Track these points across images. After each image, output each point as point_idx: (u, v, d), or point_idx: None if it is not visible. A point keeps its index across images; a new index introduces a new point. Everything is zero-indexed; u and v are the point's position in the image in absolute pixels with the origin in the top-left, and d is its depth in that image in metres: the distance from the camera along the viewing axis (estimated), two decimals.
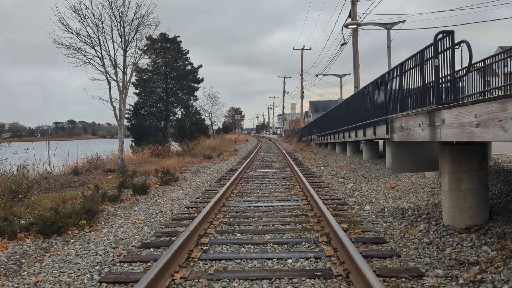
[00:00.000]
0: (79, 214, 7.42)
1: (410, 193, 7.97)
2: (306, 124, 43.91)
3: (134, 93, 28.65)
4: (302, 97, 62.91)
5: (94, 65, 16.87)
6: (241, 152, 31.93)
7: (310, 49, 59.89)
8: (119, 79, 17.69)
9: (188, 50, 30.89)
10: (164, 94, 29.84)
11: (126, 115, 28.54)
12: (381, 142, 16.04)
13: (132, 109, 28.71)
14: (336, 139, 21.06)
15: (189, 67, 31.16)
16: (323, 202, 7.66)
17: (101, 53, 17.02)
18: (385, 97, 11.35)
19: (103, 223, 7.51)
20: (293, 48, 60.72)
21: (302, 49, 59.45)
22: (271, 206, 8.05)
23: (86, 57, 16.69)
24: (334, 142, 22.42)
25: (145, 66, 29.27)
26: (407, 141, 6.18)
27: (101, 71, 17.04)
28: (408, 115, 5.86)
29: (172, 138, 40.62)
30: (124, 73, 17.79)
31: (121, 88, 17.73)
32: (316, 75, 32.33)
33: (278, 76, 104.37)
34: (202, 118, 42.32)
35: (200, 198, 9.25)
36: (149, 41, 27.55)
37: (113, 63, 17.61)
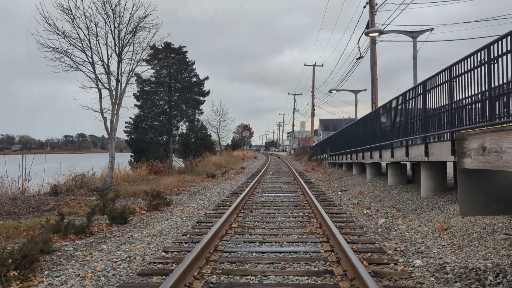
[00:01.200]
0: (15, 259, 5.35)
1: (475, 240, 5.74)
2: (318, 142, 41.78)
3: (135, 105, 26.81)
4: (312, 114, 60.90)
5: (83, 71, 15.00)
6: (248, 170, 29.78)
7: (322, 65, 57.74)
8: (112, 88, 15.81)
9: (194, 61, 29.08)
10: (167, 107, 27.86)
11: (126, 129, 26.69)
12: (408, 164, 13.84)
13: (132, 122, 26.77)
14: (353, 159, 18.84)
15: (194, 79, 29.15)
16: (352, 248, 5.51)
17: (92, 57, 15.17)
18: (424, 111, 9.19)
19: (47, 272, 5.42)
20: (305, 65, 58.89)
21: (314, 66, 57.75)
22: (280, 253, 5.88)
23: (74, 62, 14.84)
24: (351, 163, 20.21)
25: (148, 77, 27.55)
26: (491, 170, 4.02)
27: (91, 78, 15.17)
28: (501, 130, 3.70)
29: (176, 154, 38.71)
30: (118, 80, 15.91)
31: (114, 97, 15.83)
32: (330, 91, 30.28)
33: (288, 94, 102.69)
34: (208, 133, 40.31)
35: (188, 235, 7.11)
36: (152, 50, 25.87)
37: (106, 69, 15.76)
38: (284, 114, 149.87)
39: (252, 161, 52.32)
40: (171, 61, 21.97)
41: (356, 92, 29.50)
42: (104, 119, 15.40)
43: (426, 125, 9.02)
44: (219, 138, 62.00)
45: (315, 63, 58.52)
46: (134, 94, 26.46)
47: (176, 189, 16.60)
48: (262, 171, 24.99)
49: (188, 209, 10.76)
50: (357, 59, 27.86)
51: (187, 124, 29.34)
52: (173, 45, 27.17)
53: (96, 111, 15.26)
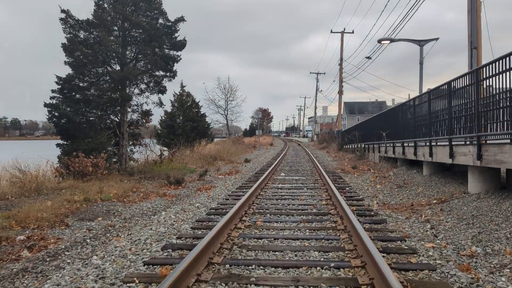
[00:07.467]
0: None
1: None
2: (352, 126, 30.91)
3: (66, 62, 16.45)
4: (340, 92, 49.37)
5: None
6: (250, 166, 19.32)
7: (352, 32, 46.08)
8: None
9: None
10: (118, 67, 17.31)
11: (51, 101, 16.51)
12: None
13: (58, 89, 16.33)
14: (488, 158, 8.09)
15: (161, 21, 18.19)
16: None
17: None
18: None
19: None
20: (331, 31, 46.89)
21: (342, 32, 46.21)
22: None
23: None
24: (465, 170, 9.54)
25: (86, 17, 17.17)
26: None
27: None
28: None
29: (159, 141, 28.72)
30: None
31: None
32: (379, 41, 19.37)
33: (310, 72, 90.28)
34: (202, 113, 29.91)
35: None
36: None
37: None
38: (305, 97, 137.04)
39: (265, 149, 41.76)
40: None
41: (421, 43, 18.55)
42: None
43: None
44: (227, 121, 51.59)
45: (344, 29, 47.12)
46: (63, 45, 16.21)
47: (35, 237, 6.43)
48: (269, 170, 14.62)
49: None
50: None
51: (159, 96, 18.74)
52: None
53: None
